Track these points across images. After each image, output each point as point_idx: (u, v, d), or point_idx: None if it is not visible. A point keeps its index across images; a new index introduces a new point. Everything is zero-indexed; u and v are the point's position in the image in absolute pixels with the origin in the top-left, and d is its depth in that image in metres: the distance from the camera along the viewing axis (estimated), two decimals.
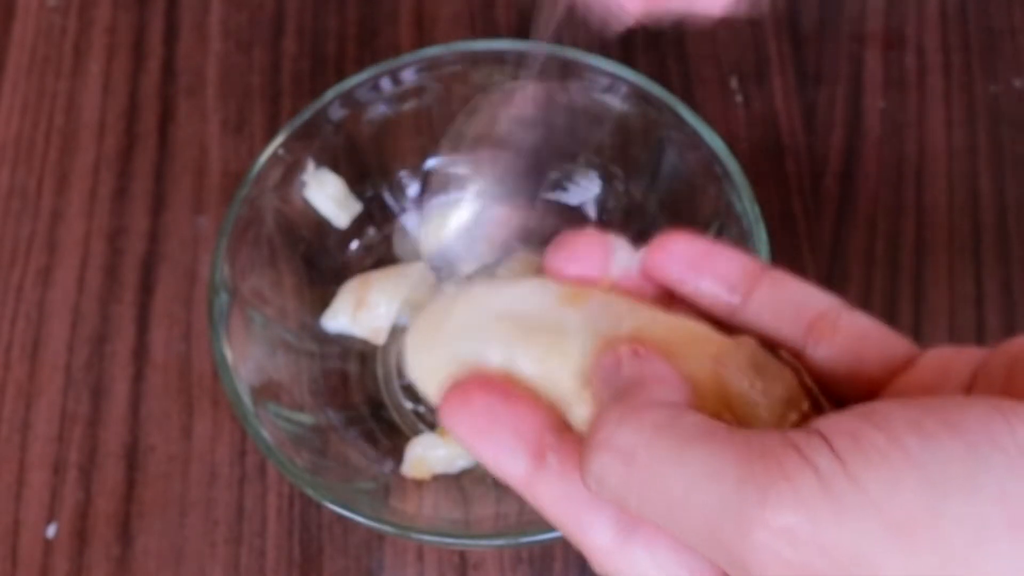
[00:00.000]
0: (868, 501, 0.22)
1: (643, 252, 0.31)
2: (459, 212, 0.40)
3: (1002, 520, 0.22)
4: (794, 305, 0.30)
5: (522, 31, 0.60)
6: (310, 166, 0.50)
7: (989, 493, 0.22)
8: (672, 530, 0.25)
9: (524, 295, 0.31)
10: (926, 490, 0.22)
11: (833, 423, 0.24)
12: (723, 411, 0.28)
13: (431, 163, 0.53)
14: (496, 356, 0.30)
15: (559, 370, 0.30)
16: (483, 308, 0.31)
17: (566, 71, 0.50)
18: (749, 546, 0.23)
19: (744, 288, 0.30)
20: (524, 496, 0.29)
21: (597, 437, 0.26)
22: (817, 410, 0.28)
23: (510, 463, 0.29)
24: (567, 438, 0.29)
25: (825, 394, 0.29)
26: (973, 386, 0.27)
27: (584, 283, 0.31)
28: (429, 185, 0.50)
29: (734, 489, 0.24)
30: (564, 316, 0.30)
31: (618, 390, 0.28)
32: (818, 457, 0.23)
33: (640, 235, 0.32)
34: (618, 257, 0.31)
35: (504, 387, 0.30)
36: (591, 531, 0.28)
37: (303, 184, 0.51)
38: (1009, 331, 0.53)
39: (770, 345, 0.29)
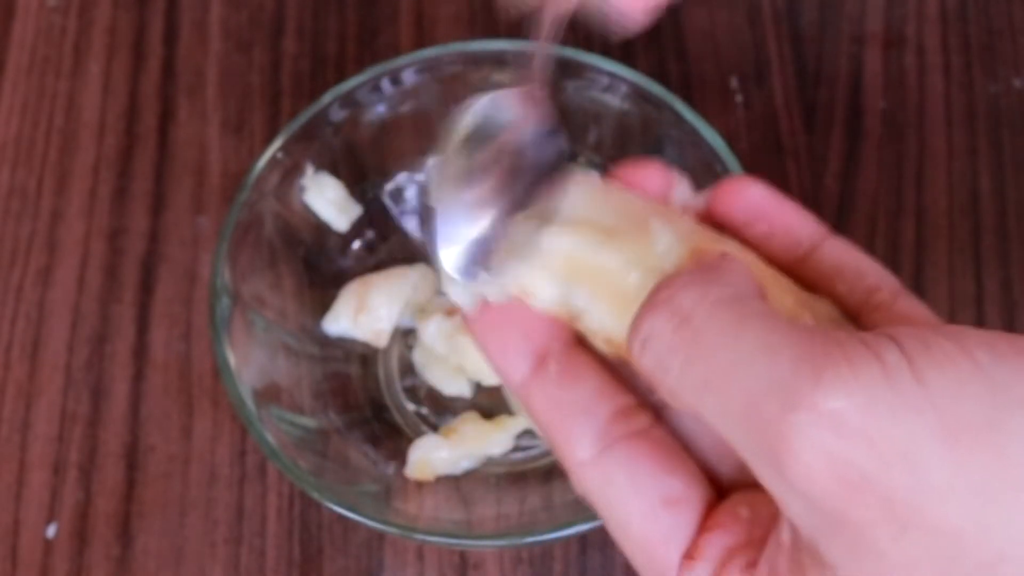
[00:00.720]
0: (929, 401, 0.22)
1: (709, 191, 0.30)
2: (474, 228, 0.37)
3: None
4: (855, 272, 0.29)
5: (522, 31, 0.60)
6: (309, 170, 0.50)
7: None
8: (706, 407, 0.25)
9: (617, 196, 0.30)
10: (989, 401, 0.22)
11: (903, 329, 0.24)
12: None
13: (430, 166, 0.53)
14: (567, 242, 0.29)
15: (634, 262, 0.29)
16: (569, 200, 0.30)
17: (566, 70, 0.50)
18: (788, 428, 0.22)
19: (809, 244, 0.30)
20: (519, 399, 0.29)
21: (656, 297, 0.26)
22: None
23: (512, 362, 0.29)
24: (573, 351, 0.29)
25: None
26: None
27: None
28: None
29: (788, 366, 0.23)
30: (654, 223, 0.29)
31: (693, 271, 0.27)
32: (886, 351, 0.23)
33: None
34: (678, 191, 0.31)
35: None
36: (574, 443, 0.28)
37: (302, 189, 0.51)
38: (1009, 331, 0.53)
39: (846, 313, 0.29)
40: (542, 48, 0.36)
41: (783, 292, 0.28)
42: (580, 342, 0.30)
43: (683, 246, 0.29)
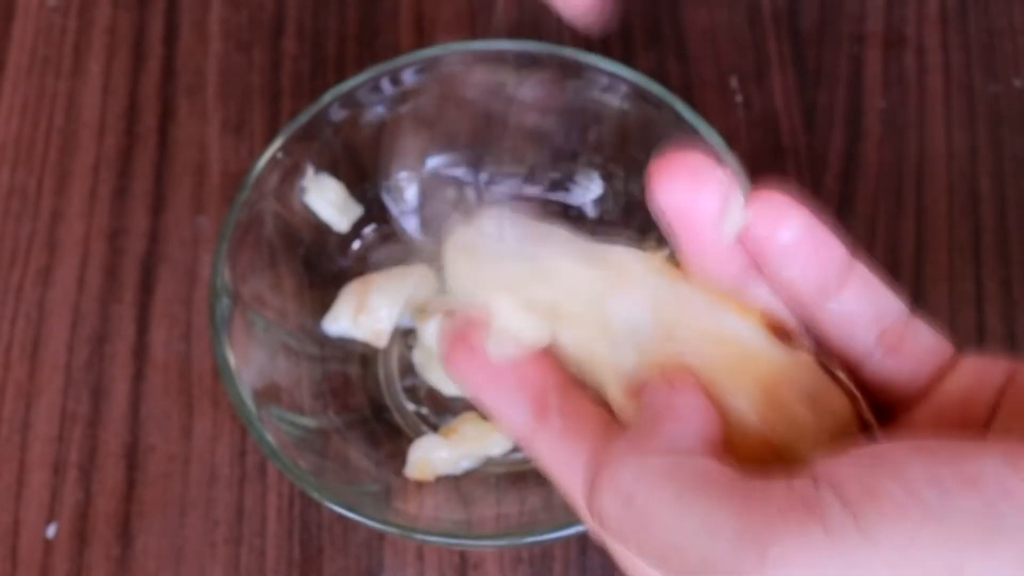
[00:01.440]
0: (881, 559, 0.22)
1: (747, 216, 0.27)
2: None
3: None
4: (872, 311, 0.28)
5: (522, 31, 0.60)
6: (310, 171, 0.50)
7: (1006, 554, 0.22)
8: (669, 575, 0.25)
9: (577, 263, 0.29)
10: (944, 548, 0.22)
11: (844, 470, 0.23)
12: (764, 445, 0.27)
13: (432, 164, 0.54)
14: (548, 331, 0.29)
15: (601, 369, 0.29)
16: (539, 268, 0.29)
17: (566, 70, 0.50)
18: None
19: (834, 286, 0.28)
20: (525, 450, 0.29)
21: (601, 474, 0.26)
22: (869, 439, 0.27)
23: (514, 415, 0.29)
24: (571, 397, 0.29)
25: (869, 398, 0.28)
26: (1000, 402, 0.27)
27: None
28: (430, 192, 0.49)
29: (731, 545, 0.23)
30: (612, 305, 0.29)
31: (638, 423, 0.27)
32: (827, 510, 0.22)
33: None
34: (733, 212, 0.27)
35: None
36: None
37: (303, 190, 0.51)
38: (1009, 331, 0.53)
39: (828, 362, 0.28)
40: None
41: (749, 382, 0.28)
42: (578, 384, 0.29)
43: (638, 350, 0.28)
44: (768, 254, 0.28)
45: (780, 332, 0.28)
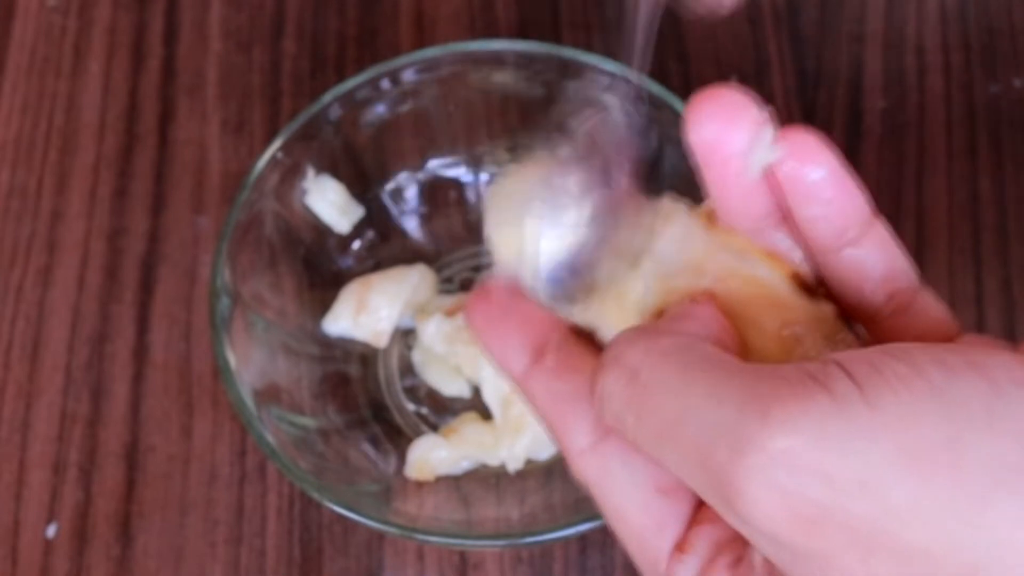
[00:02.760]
0: (884, 426, 0.22)
1: (775, 152, 0.27)
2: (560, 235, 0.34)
3: (1020, 460, 0.22)
4: (885, 269, 0.28)
5: (522, 31, 0.60)
6: (310, 173, 0.50)
7: (1009, 432, 0.22)
8: (664, 457, 0.25)
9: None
10: (946, 421, 0.22)
11: (852, 355, 0.23)
12: None
13: (433, 164, 0.54)
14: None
15: (625, 300, 0.29)
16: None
17: (566, 70, 0.50)
18: (739, 473, 0.22)
19: (854, 235, 0.28)
20: (519, 392, 0.30)
21: (608, 354, 0.26)
22: None
23: (511, 356, 0.29)
24: (570, 343, 0.29)
25: None
26: None
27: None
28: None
29: (734, 410, 0.23)
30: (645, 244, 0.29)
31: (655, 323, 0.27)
32: (834, 382, 0.22)
33: None
34: (762, 145, 0.27)
35: (524, 292, 0.30)
36: (572, 432, 0.28)
37: (304, 191, 0.51)
38: (1009, 331, 0.53)
39: (848, 317, 0.28)
40: (640, 40, 0.34)
41: (770, 322, 0.28)
42: (577, 334, 0.30)
43: (664, 279, 0.29)
44: (795, 191, 0.28)
45: (805, 286, 0.29)
